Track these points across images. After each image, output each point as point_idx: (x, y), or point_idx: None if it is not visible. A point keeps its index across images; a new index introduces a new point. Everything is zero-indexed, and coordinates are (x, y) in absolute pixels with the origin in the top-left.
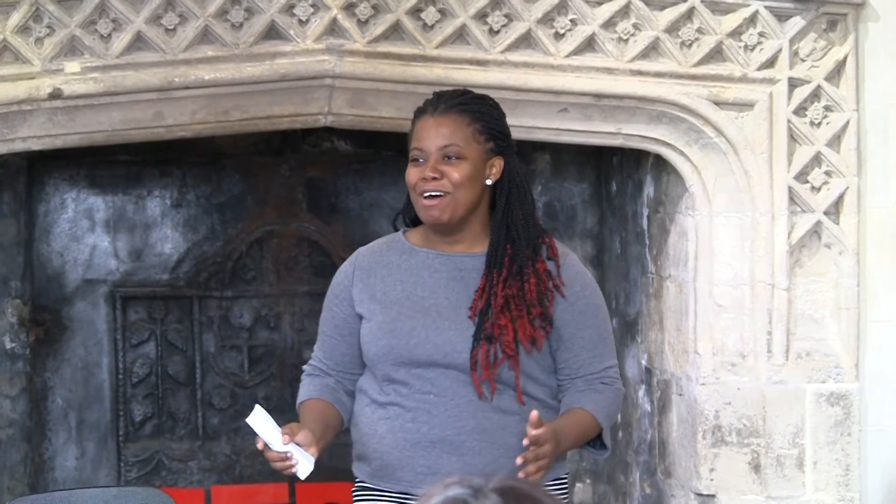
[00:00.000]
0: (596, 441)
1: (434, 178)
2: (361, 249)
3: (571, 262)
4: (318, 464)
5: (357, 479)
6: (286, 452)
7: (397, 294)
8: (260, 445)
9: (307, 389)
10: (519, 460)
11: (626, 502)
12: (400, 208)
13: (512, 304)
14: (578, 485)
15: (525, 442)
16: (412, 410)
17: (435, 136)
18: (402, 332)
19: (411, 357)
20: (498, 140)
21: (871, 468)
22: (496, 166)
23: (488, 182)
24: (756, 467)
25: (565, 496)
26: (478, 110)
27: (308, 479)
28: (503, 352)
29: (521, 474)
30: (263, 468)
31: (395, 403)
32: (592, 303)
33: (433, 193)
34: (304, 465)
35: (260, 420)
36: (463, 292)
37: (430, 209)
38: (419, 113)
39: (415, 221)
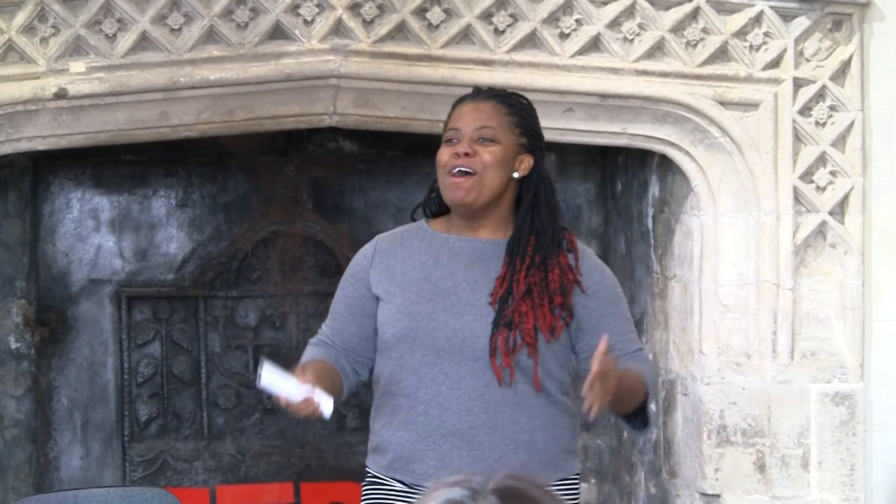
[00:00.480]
0: (636, 420)
1: (466, 155)
2: (382, 235)
3: (589, 255)
4: (323, 463)
5: (368, 474)
6: (308, 398)
7: (416, 275)
8: (283, 403)
9: (312, 352)
10: (587, 387)
11: (631, 502)
12: (420, 201)
13: (535, 291)
14: (584, 484)
15: (601, 348)
16: (424, 403)
17: (473, 118)
18: (422, 315)
19: (429, 340)
20: (531, 137)
21: (876, 468)
22: (525, 162)
23: (515, 175)
24: (761, 467)
25: (576, 497)
26: (517, 104)
27: (313, 478)
28: (522, 339)
29: (585, 406)
30: (268, 468)
31: (408, 395)
32: (614, 291)
33: (463, 169)
34: (326, 403)
35: (272, 378)
36: (482, 277)
37: (458, 188)
38: (459, 102)
39: (436, 213)
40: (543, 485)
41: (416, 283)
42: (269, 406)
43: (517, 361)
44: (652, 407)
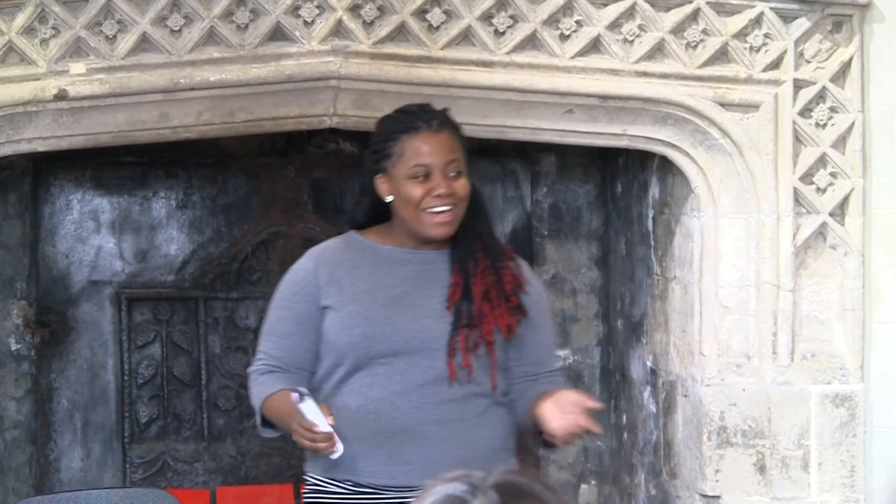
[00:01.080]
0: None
1: (449, 195)
2: (316, 250)
3: (526, 266)
4: None
5: (307, 481)
6: (331, 434)
7: (366, 285)
8: (320, 428)
9: (276, 383)
10: (591, 405)
11: (631, 503)
12: (359, 210)
13: (492, 293)
14: (584, 486)
15: (592, 406)
16: (376, 401)
17: (440, 151)
18: (378, 321)
19: (387, 345)
20: (466, 154)
21: (876, 469)
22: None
23: None
24: (761, 468)
25: None
26: (457, 126)
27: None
28: (482, 337)
29: (560, 431)
30: (269, 469)
31: (359, 395)
32: (547, 305)
33: (446, 209)
34: (339, 445)
35: (308, 403)
36: (434, 284)
37: (442, 226)
38: (406, 129)
39: (364, 224)
40: (543, 480)
41: (367, 293)
42: None
43: (476, 360)
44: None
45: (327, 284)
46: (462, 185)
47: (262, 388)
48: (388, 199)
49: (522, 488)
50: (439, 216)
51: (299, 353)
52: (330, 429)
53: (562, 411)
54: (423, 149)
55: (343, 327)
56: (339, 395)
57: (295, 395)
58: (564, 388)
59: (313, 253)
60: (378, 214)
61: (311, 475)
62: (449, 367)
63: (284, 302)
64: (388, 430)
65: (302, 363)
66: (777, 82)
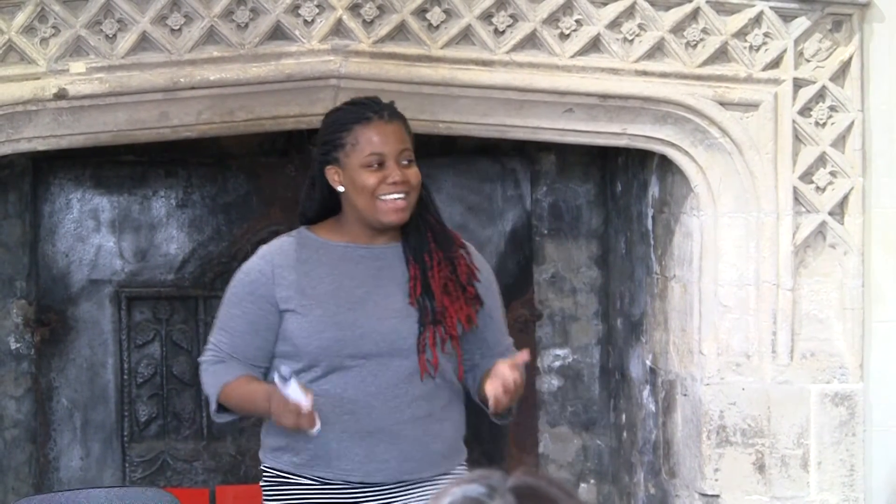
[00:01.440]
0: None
1: (404, 182)
2: (268, 249)
3: (475, 251)
4: None
5: (269, 472)
6: (311, 412)
7: (327, 287)
8: (304, 407)
9: (233, 370)
10: (501, 389)
11: (630, 502)
12: (308, 205)
13: (450, 286)
14: (583, 485)
15: (520, 360)
16: (352, 402)
17: (394, 141)
18: (346, 324)
19: (357, 348)
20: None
21: (876, 468)
22: None
23: None
24: (761, 467)
25: None
26: (405, 118)
27: None
28: (447, 332)
29: (493, 395)
30: None
31: (332, 396)
32: (495, 286)
33: (400, 196)
34: (318, 422)
35: (293, 384)
36: (391, 281)
37: (398, 212)
38: (359, 120)
39: (313, 219)
40: (560, 483)
41: (330, 295)
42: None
43: (445, 356)
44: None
45: (286, 287)
46: (414, 174)
47: (217, 377)
48: (340, 189)
49: (540, 491)
50: (395, 203)
51: (250, 350)
52: (310, 408)
53: (496, 380)
54: (376, 138)
55: (312, 332)
56: (313, 395)
57: (282, 376)
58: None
59: (267, 253)
60: (327, 209)
61: (274, 469)
62: (420, 365)
63: (237, 300)
64: (365, 430)
65: (253, 360)
66: (777, 81)
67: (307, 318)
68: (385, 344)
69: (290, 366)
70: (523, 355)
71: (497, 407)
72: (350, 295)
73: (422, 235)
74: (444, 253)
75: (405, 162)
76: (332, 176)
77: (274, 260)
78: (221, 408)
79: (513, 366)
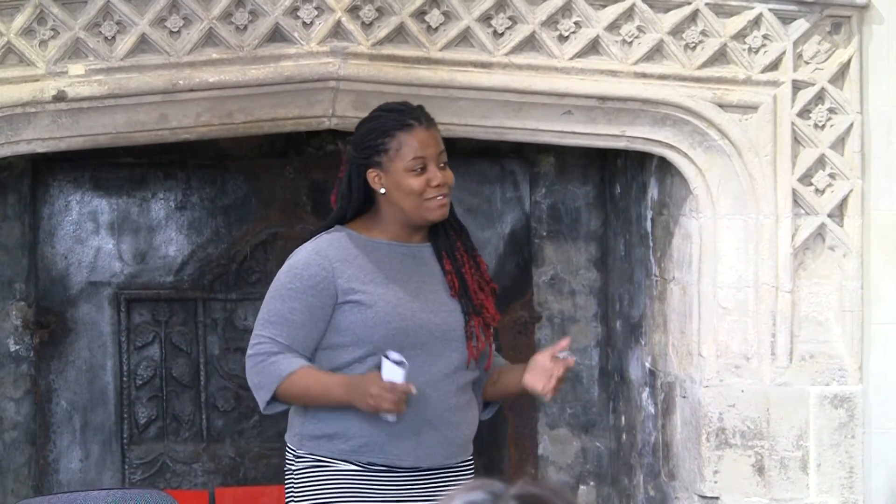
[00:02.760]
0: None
1: (446, 185)
2: (318, 245)
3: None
4: None
5: (305, 459)
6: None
7: (382, 280)
8: (412, 391)
9: (296, 361)
10: (559, 371)
11: None
12: (345, 205)
13: (480, 283)
14: (582, 487)
15: (570, 362)
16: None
17: (434, 145)
18: (407, 315)
19: (417, 338)
20: None
21: (875, 470)
22: None
23: None
24: (760, 469)
25: (473, 473)
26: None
27: None
28: (486, 324)
29: (546, 386)
30: (267, 470)
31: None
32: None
33: (443, 196)
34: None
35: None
36: (431, 277)
37: (442, 208)
38: (405, 126)
39: (350, 219)
40: (562, 492)
41: (388, 287)
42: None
43: (489, 344)
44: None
45: (347, 280)
46: (451, 175)
47: (278, 367)
48: (381, 191)
49: (543, 500)
50: (439, 202)
51: (309, 341)
52: (415, 391)
53: (540, 374)
54: (419, 144)
55: (377, 322)
56: None
57: (395, 361)
58: (507, 362)
59: (320, 249)
60: (360, 209)
61: (314, 455)
62: (468, 351)
63: (297, 293)
64: (420, 417)
65: (308, 352)
66: (776, 83)
67: (372, 308)
68: (439, 334)
69: (345, 357)
70: (566, 342)
71: (549, 398)
72: (404, 289)
73: (448, 236)
74: (469, 251)
75: (442, 164)
76: (374, 179)
77: (329, 254)
78: (271, 399)
79: (553, 356)
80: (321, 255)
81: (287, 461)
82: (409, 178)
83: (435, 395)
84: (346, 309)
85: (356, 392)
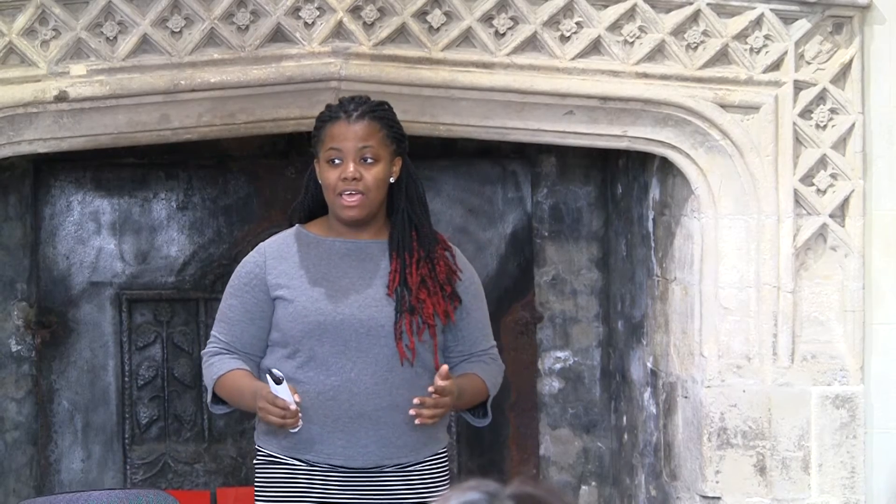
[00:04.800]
0: (478, 410)
1: (354, 179)
2: (264, 244)
3: (460, 254)
4: None
5: (261, 452)
6: (297, 411)
7: (313, 276)
8: (293, 407)
9: (228, 363)
10: (417, 400)
11: None
12: (297, 204)
13: (428, 282)
14: (584, 487)
15: (430, 389)
16: (334, 389)
17: (353, 139)
18: (327, 311)
19: (338, 334)
20: (399, 142)
21: (877, 470)
22: (397, 165)
23: (391, 180)
24: (761, 469)
25: (446, 470)
26: (384, 116)
27: None
28: (424, 322)
29: (415, 418)
30: None
31: (315, 382)
32: (480, 289)
33: (351, 191)
34: (301, 420)
35: (283, 385)
36: (373, 273)
37: (350, 209)
38: (330, 118)
39: (309, 216)
40: (558, 491)
41: (315, 284)
42: None
43: (422, 343)
44: (490, 403)
45: (276, 276)
46: (373, 173)
47: (213, 368)
48: (320, 182)
49: (539, 499)
50: (347, 199)
51: (246, 339)
52: (297, 408)
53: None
54: (336, 135)
55: (296, 317)
56: (297, 381)
57: (274, 377)
58: (493, 366)
59: (262, 246)
60: (318, 206)
61: (264, 449)
62: (398, 350)
63: (235, 291)
64: (347, 415)
65: (249, 349)
66: (777, 84)
67: (293, 303)
68: (364, 330)
69: (279, 352)
70: (443, 369)
71: (417, 416)
72: (334, 285)
73: (406, 233)
74: (426, 252)
75: (367, 160)
76: (316, 171)
77: (267, 251)
78: (217, 400)
79: (437, 383)
80: (259, 252)
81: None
82: (325, 170)
83: (363, 392)
84: (276, 305)
85: (255, 404)
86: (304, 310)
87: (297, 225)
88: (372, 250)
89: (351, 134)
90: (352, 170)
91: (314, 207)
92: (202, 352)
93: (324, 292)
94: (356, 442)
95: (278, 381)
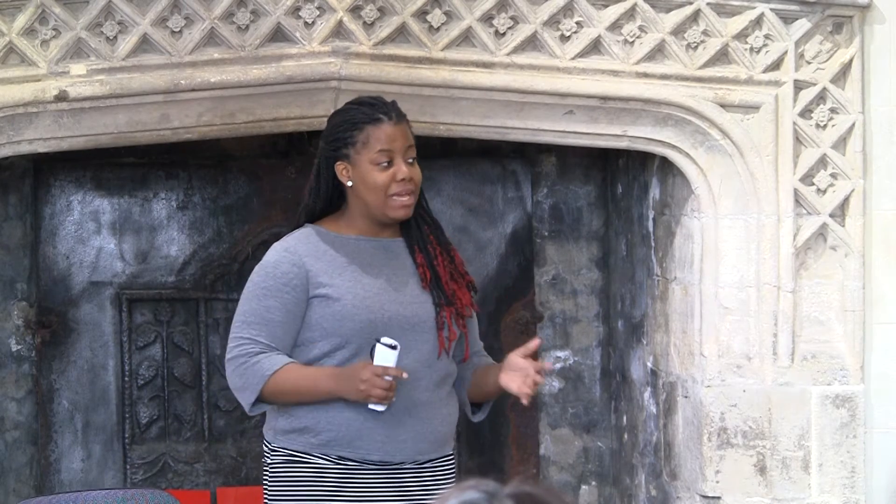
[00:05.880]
0: (475, 407)
1: (409, 180)
2: (287, 244)
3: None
4: None
5: (279, 452)
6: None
7: (351, 275)
8: (404, 375)
9: (279, 359)
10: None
11: None
12: (307, 204)
13: (454, 274)
14: (584, 487)
15: (548, 366)
16: None
17: (402, 139)
18: (375, 308)
19: (386, 331)
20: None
21: (877, 470)
22: None
23: None
24: (762, 469)
25: (453, 471)
26: (408, 119)
27: None
28: (459, 314)
29: (522, 388)
30: None
31: None
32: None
33: (408, 193)
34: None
35: (397, 351)
36: (402, 270)
37: (406, 208)
38: (371, 120)
39: (316, 216)
40: (557, 491)
41: (356, 281)
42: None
43: (457, 335)
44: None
45: (316, 275)
46: (418, 172)
47: (261, 366)
48: (349, 184)
49: (538, 499)
50: (402, 199)
51: (288, 338)
52: (407, 375)
53: (516, 374)
54: (386, 137)
55: (345, 315)
56: None
57: (387, 345)
58: (494, 362)
59: (289, 246)
60: (329, 205)
61: (286, 449)
62: (439, 341)
63: (272, 292)
64: (389, 411)
65: (287, 349)
66: (777, 83)
67: (340, 301)
68: (409, 326)
69: (313, 351)
70: (535, 342)
71: (525, 398)
72: (373, 282)
73: (420, 230)
74: (443, 246)
75: (410, 160)
76: (342, 172)
77: (299, 250)
78: (257, 400)
79: (527, 355)
80: (290, 251)
81: (264, 454)
82: (374, 171)
83: (405, 387)
84: (315, 304)
85: (346, 381)
86: (354, 308)
87: (308, 225)
88: (393, 248)
89: (399, 135)
90: (405, 170)
91: (323, 207)
92: (230, 356)
93: (368, 289)
94: (395, 437)
95: (393, 348)
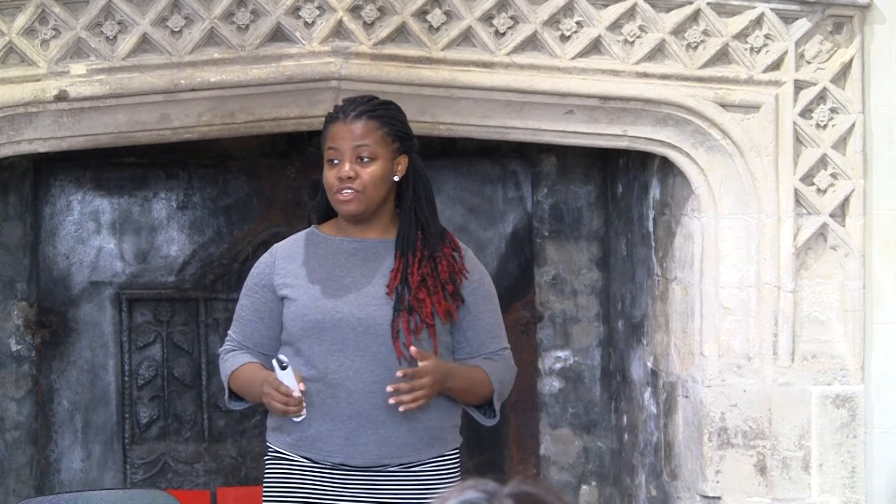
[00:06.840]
0: (487, 410)
1: (349, 178)
2: (277, 244)
3: (470, 255)
4: None
5: (270, 448)
6: (301, 398)
7: (317, 275)
8: (296, 394)
9: (240, 358)
10: (390, 388)
11: None
12: (313, 205)
13: (428, 281)
14: (584, 487)
15: (399, 373)
16: (332, 387)
17: (349, 138)
18: (327, 309)
19: (337, 332)
20: (403, 140)
21: (877, 470)
22: (402, 164)
23: (395, 178)
24: (762, 469)
25: (458, 467)
26: (385, 115)
27: None
28: (422, 321)
29: (391, 401)
30: None
31: (316, 380)
32: (490, 290)
33: (348, 191)
34: (304, 410)
35: (288, 371)
36: (377, 272)
37: (346, 204)
38: (331, 119)
39: (324, 217)
40: (557, 491)
41: (318, 282)
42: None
43: (419, 342)
44: (499, 402)
45: (283, 276)
46: (369, 171)
47: (227, 364)
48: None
49: (538, 498)
50: (340, 196)
51: (256, 337)
52: (300, 395)
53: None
54: (335, 135)
55: (297, 316)
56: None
57: (279, 361)
58: (500, 363)
59: (274, 247)
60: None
61: (273, 446)
62: (395, 349)
63: (246, 292)
64: (345, 413)
65: (260, 347)
66: (778, 83)
67: (295, 302)
68: (361, 329)
69: (288, 350)
70: (413, 350)
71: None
72: (336, 283)
73: (412, 232)
74: (430, 251)
75: (365, 159)
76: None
77: (277, 252)
78: (235, 396)
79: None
80: (271, 253)
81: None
82: (326, 168)
83: (362, 390)
84: (284, 304)
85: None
86: (305, 308)
87: (312, 225)
88: (378, 249)
89: (347, 133)
90: (347, 169)
91: (329, 207)
92: (218, 351)
93: (325, 291)
94: (355, 440)
95: (284, 367)
